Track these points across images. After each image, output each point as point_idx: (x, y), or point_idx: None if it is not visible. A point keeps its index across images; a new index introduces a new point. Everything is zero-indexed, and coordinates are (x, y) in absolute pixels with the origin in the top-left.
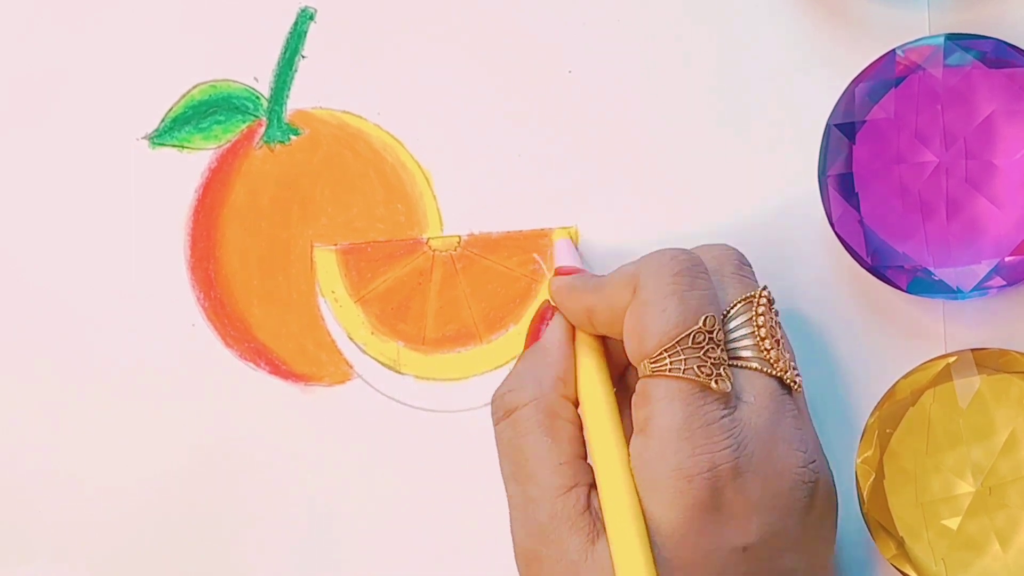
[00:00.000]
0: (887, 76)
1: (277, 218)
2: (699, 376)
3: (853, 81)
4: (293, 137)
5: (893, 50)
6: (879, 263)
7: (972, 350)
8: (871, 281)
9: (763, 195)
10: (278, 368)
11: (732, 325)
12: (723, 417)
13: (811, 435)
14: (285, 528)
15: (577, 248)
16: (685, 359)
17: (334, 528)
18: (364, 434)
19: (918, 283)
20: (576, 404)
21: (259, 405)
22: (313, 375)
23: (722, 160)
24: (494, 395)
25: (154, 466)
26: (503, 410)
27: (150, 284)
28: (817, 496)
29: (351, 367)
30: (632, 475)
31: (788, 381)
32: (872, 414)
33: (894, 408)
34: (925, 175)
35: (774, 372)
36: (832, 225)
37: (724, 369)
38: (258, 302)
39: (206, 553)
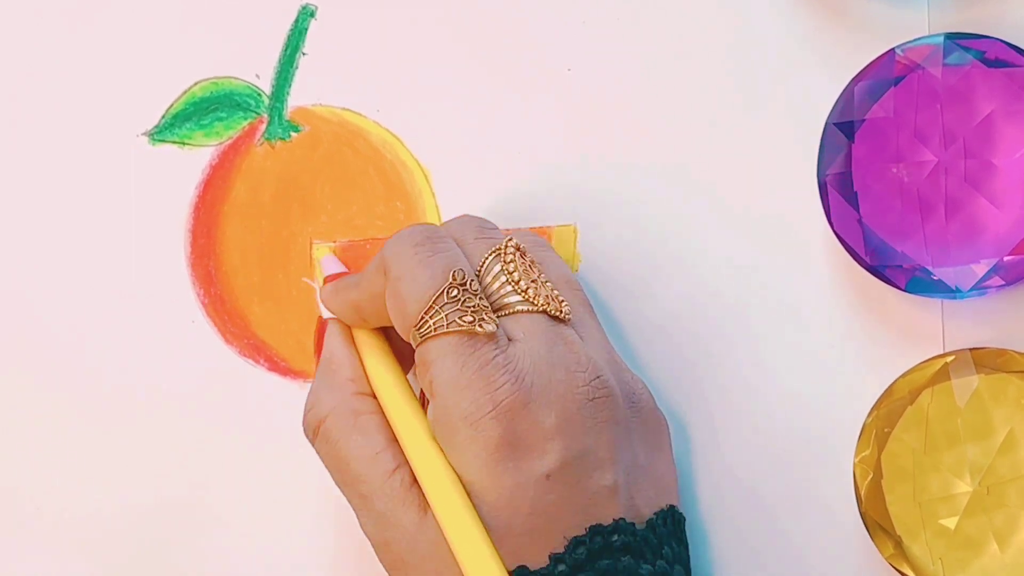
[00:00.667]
0: (886, 75)
1: (277, 215)
2: (463, 326)
3: (852, 80)
4: (294, 134)
5: (893, 49)
6: (878, 262)
7: (970, 349)
8: (870, 280)
9: (762, 194)
10: (277, 364)
11: (489, 279)
12: (495, 356)
13: (599, 356)
14: (285, 524)
15: (336, 257)
16: (447, 315)
17: (333, 524)
18: None
19: (917, 282)
20: (374, 397)
21: (258, 401)
22: (312, 372)
23: (721, 159)
24: (302, 419)
25: (153, 462)
26: (311, 429)
27: (150, 280)
28: (616, 411)
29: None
30: (434, 438)
31: (554, 312)
32: (870, 413)
33: (892, 407)
34: (924, 174)
35: (536, 308)
36: (831, 224)
37: (487, 314)
38: (258, 299)
39: (205, 549)
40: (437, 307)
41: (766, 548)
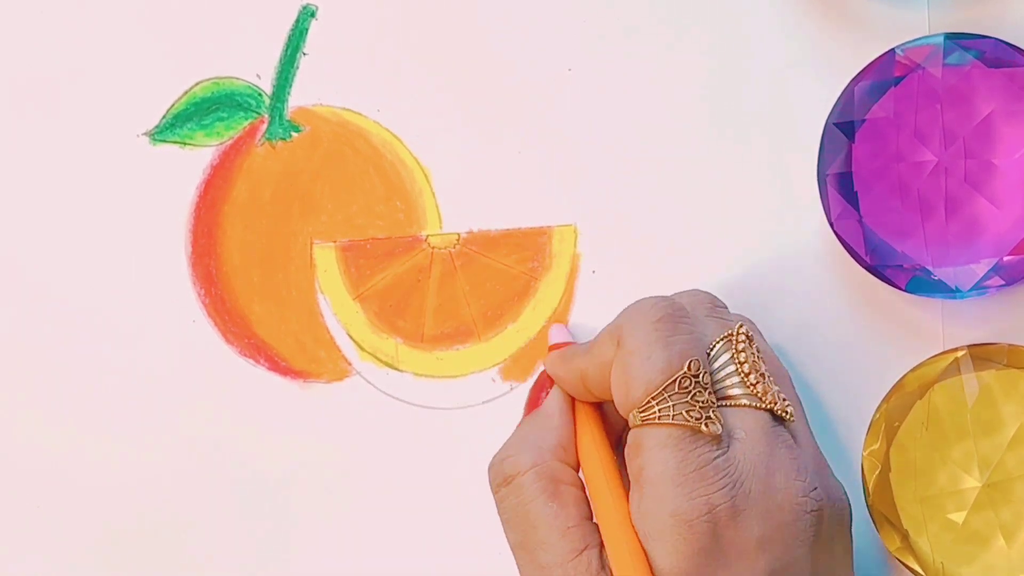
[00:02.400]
0: (887, 75)
1: (278, 215)
2: (688, 420)
3: (853, 80)
4: (294, 134)
5: (893, 49)
6: (878, 262)
7: (981, 345)
8: (870, 280)
9: (762, 194)
10: (277, 364)
11: (715, 365)
12: (716, 458)
13: (812, 461)
14: (284, 524)
15: (568, 328)
16: (673, 405)
17: (332, 524)
18: (362, 431)
19: (917, 282)
20: (577, 469)
21: (258, 401)
22: (312, 372)
23: (721, 159)
24: (492, 461)
25: (153, 462)
26: (502, 476)
27: (151, 280)
28: (824, 523)
29: (350, 364)
30: (634, 529)
31: (779, 412)
32: (879, 407)
33: (901, 401)
34: (924, 174)
35: (763, 405)
36: (831, 224)
37: (713, 411)
38: (258, 298)
39: (205, 548)
40: (666, 395)
41: None
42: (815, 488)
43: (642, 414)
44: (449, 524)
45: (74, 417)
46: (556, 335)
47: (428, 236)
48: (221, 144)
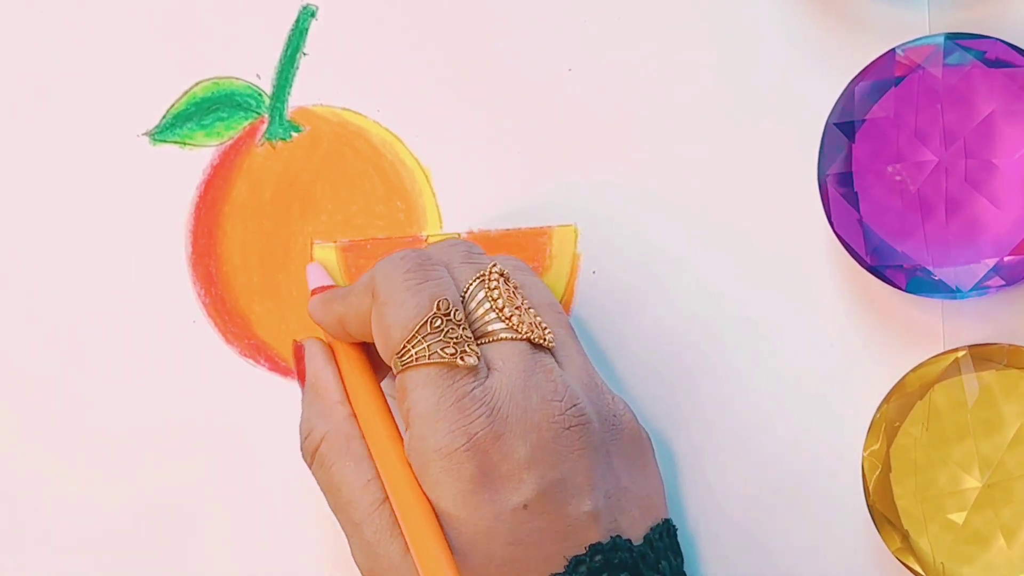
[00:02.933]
0: (887, 75)
1: (278, 215)
2: (444, 357)
3: (853, 80)
4: (294, 134)
5: (893, 49)
6: (878, 262)
7: (982, 345)
8: (870, 280)
9: (763, 194)
10: (277, 365)
11: (473, 305)
12: (473, 389)
13: (577, 381)
14: (284, 523)
15: (321, 266)
16: (429, 345)
17: (333, 524)
18: None
19: (917, 282)
20: None
21: (259, 401)
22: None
23: (722, 159)
24: (300, 445)
25: (153, 462)
26: (308, 454)
27: (151, 280)
28: (592, 436)
29: None
30: (410, 468)
31: (537, 340)
32: (880, 407)
33: (902, 401)
34: (925, 174)
35: (520, 336)
36: (831, 224)
37: (469, 345)
38: (258, 299)
39: (205, 546)
40: (420, 336)
41: (775, 542)
42: (574, 405)
43: (401, 359)
44: None
45: (74, 417)
46: (314, 276)
47: (428, 236)
48: (221, 144)
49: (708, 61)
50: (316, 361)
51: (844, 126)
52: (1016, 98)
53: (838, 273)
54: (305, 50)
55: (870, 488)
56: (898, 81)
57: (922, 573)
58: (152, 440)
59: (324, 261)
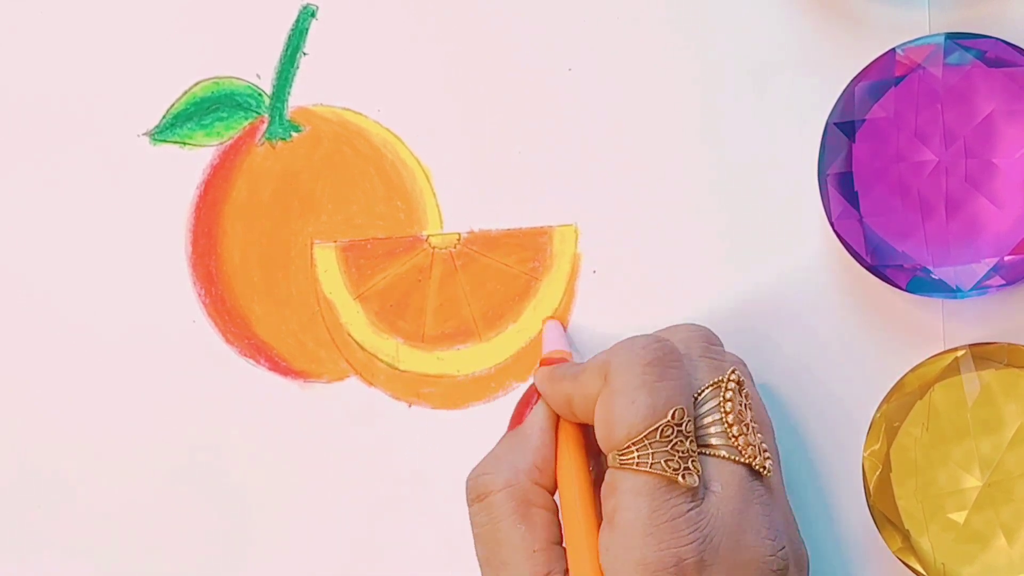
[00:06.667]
0: (887, 75)
1: (278, 215)
2: (666, 471)
3: (853, 80)
4: (294, 134)
5: (893, 49)
6: (878, 262)
7: (981, 344)
8: (870, 280)
9: (763, 194)
10: (277, 365)
11: (701, 411)
12: (689, 511)
13: (782, 518)
14: (284, 524)
15: (566, 331)
16: (653, 452)
17: (332, 524)
18: (362, 431)
19: (917, 282)
20: (552, 491)
21: (258, 401)
22: (312, 372)
23: (722, 159)
24: (469, 476)
25: (154, 462)
26: (476, 492)
27: (151, 280)
28: None
29: (350, 364)
30: (600, 567)
31: (757, 467)
32: (880, 407)
33: (902, 401)
34: (925, 174)
35: (742, 459)
36: (832, 224)
37: (692, 462)
38: (258, 298)
39: (205, 546)
40: (647, 442)
41: None
42: (783, 548)
43: (621, 457)
44: (449, 523)
45: (74, 417)
46: (551, 337)
47: (429, 236)
48: (221, 144)
49: (708, 61)
50: (539, 417)
51: (844, 126)
52: (1016, 98)
53: (838, 273)
54: (305, 50)
55: (871, 488)
56: (898, 81)
57: (923, 573)
58: (152, 440)
59: (326, 261)
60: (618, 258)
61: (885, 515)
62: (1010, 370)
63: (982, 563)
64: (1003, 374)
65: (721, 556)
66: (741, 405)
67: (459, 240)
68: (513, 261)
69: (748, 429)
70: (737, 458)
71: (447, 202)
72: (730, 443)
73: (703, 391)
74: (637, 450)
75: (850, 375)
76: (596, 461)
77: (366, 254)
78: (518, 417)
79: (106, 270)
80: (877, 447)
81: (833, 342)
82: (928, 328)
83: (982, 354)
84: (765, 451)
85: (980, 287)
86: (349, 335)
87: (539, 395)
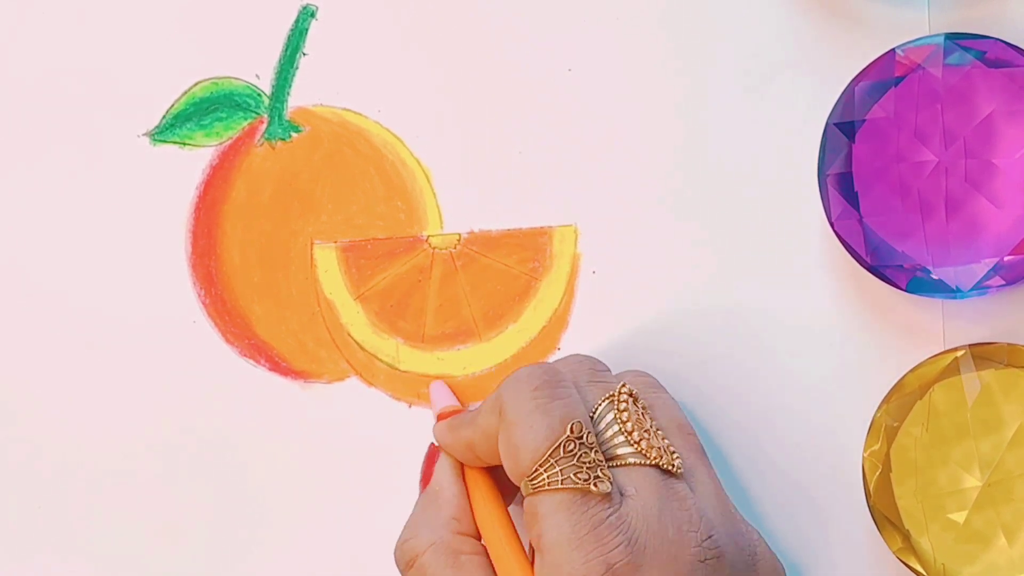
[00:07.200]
0: (887, 75)
1: (278, 215)
2: (577, 483)
3: (853, 80)
4: (294, 134)
5: (893, 49)
6: (878, 262)
7: (981, 344)
8: (870, 280)
9: (763, 194)
10: (278, 365)
11: (601, 427)
12: (609, 516)
13: (710, 510)
14: (284, 524)
15: (447, 387)
16: (561, 469)
17: (333, 525)
18: (363, 431)
19: (917, 282)
20: (478, 536)
21: (259, 402)
22: (312, 372)
23: (721, 159)
24: (395, 547)
25: (154, 461)
26: (405, 560)
27: (151, 281)
28: (724, 570)
29: (350, 364)
30: None
31: (666, 466)
32: (879, 407)
33: (902, 401)
34: (925, 174)
35: (649, 461)
36: (831, 224)
37: (602, 470)
38: (258, 299)
39: (205, 547)
40: (552, 460)
41: (776, 542)
42: (709, 536)
43: (532, 482)
44: None
45: (74, 418)
46: (438, 397)
47: (429, 236)
48: (221, 144)
49: (708, 61)
50: (443, 473)
51: (844, 126)
52: (1016, 98)
53: (838, 273)
54: (305, 50)
55: (871, 488)
56: (898, 81)
57: (924, 573)
58: (152, 440)
59: (326, 261)
60: (618, 258)
61: (885, 515)
62: (1010, 370)
63: (982, 563)
64: (1003, 374)
65: (649, 555)
66: (638, 414)
67: (459, 240)
68: (513, 261)
69: (650, 434)
70: (645, 461)
71: (447, 202)
72: (635, 449)
73: (598, 407)
74: (545, 471)
75: (850, 375)
76: (512, 505)
77: (366, 254)
78: (426, 478)
79: (106, 270)
80: (877, 447)
81: (833, 342)
82: (928, 328)
83: (982, 354)
84: (673, 452)
85: (980, 287)
86: (349, 335)
87: (436, 454)
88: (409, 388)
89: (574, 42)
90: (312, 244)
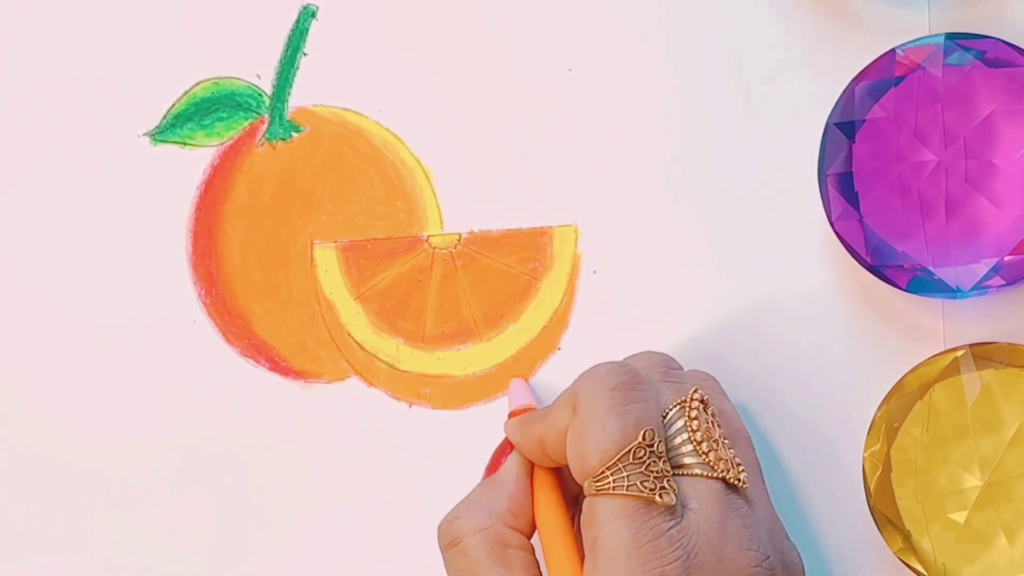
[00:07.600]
0: (887, 75)
1: (278, 215)
2: (643, 491)
3: (853, 80)
4: (295, 134)
5: (893, 49)
6: (879, 262)
7: (981, 344)
8: (871, 280)
9: (763, 194)
10: (278, 365)
11: (670, 432)
12: (670, 529)
13: (766, 528)
14: (284, 524)
15: (529, 385)
16: (628, 475)
17: (332, 524)
18: (363, 431)
19: (918, 282)
20: (529, 535)
21: (259, 402)
22: (313, 372)
23: (722, 159)
24: (441, 521)
25: (154, 462)
26: (449, 538)
27: (152, 280)
28: None
29: (350, 364)
30: None
31: (732, 480)
32: (880, 408)
33: (902, 401)
34: (925, 174)
35: (716, 474)
36: (832, 224)
37: (668, 481)
38: (259, 299)
39: (205, 546)
40: (620, 465)
41: None
42: (767, 557)
43: (597, 483)
44: None
45: (75, 418)
46: (516, 395)
47: (429, 236)
48: (221, 144)
49: (708, 61)
50: (514, 466)
51: (844, 126)
52: (1016, 98)
53: (838, 273)
54: (305, 50)
55: (871, 489)
56: (898, 81)
57: (924, 573)
58: (152, 440)
59: (326, 261)
60: (618, 258)
61: (885, 515)
62: (1010, 370)
63: (983, 563)
64: (1003, 374)
65: (706, 571)
66: (708, 422)
67: (459, 240)
68: (513, 261)
69: (718, 444)
70: (711, 474)
71: (447, 202)
72: (702, 460)
73: (668, 412)
74: (612, 474)
75: (850, 375)
76: (572, 507)
77: (366, 254)
78: (493, 466)
79: (106, 270)
80: (877, 447)
81: (833, 342)
82: (928, 328)
83: (982, 354)
84: (739, 464)
85: (980, 287)
86: (349, 335)
87: (509, 447)
88: (409, 388)
89: (574, 42)
90: (312, 244)
